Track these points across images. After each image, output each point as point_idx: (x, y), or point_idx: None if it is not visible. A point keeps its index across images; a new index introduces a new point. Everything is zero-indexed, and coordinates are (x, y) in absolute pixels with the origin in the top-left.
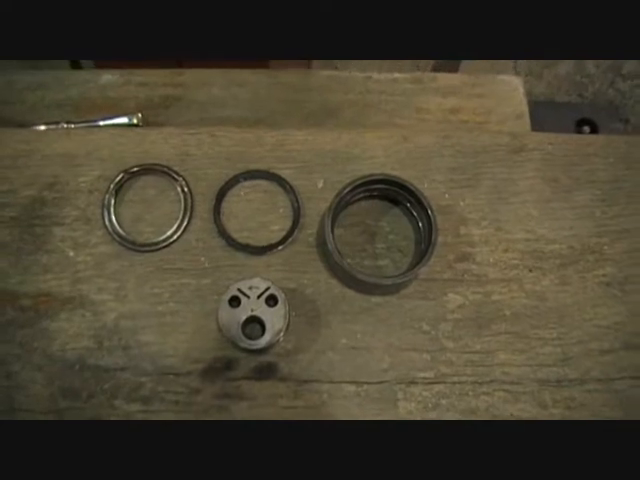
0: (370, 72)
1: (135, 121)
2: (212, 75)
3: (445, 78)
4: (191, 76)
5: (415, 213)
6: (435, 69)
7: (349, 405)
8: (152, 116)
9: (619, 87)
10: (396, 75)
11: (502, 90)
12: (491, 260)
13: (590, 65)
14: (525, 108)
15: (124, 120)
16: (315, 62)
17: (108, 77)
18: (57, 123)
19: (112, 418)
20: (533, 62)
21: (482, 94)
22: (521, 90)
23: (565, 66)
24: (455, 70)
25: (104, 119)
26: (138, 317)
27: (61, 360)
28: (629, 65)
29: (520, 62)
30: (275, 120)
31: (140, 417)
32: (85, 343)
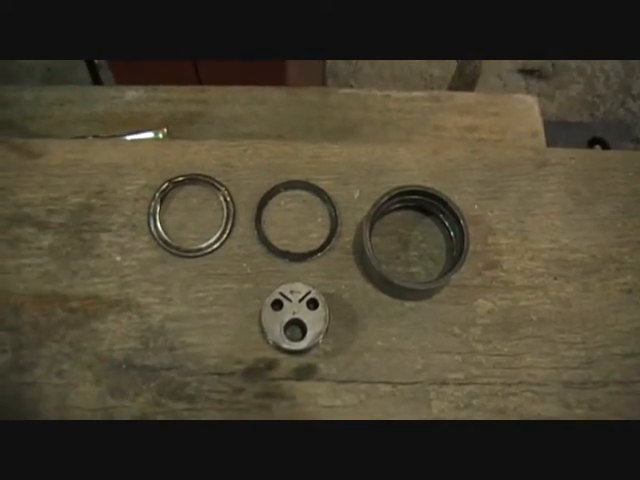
0: (389, 90)
1: (160, 136)
2: (234, 92)
3: (461, 97)
4: (214, 93)
5: (447, 223)
6: (451, 88)
7: (385, 404)
8: (176, 131)
9: (630, 107)
10: (414, 94)
11: (517, 109)
12: (518, 268)
13: (601, 85)
14: (540, 126)
15: (150, 135)
16: (331, 80)
17: (132, 93)
18: (84, 137)
19: (158, 416)
20: (544, 82)
21: (497, 112)
22: (536, 109)
23: (576, 87)
24: (471, 89)
25: (130, 134)
26: (183, 319)
27: (109, 360)
28: (639, 85)
29: (531, 82)
30: (295, 136)
31: (185, 415)
32: (132, 344)
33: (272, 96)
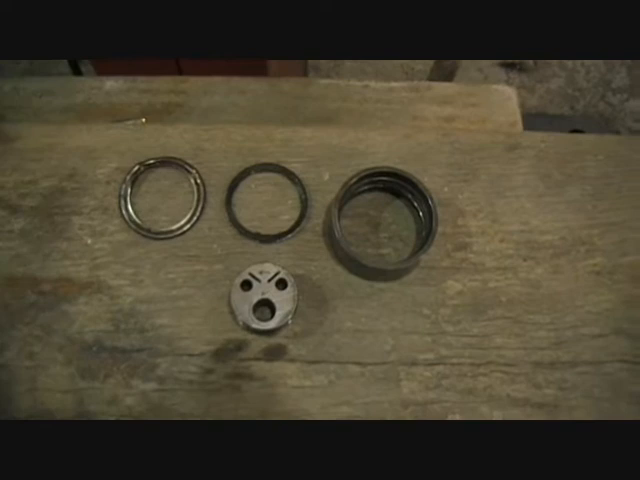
0: (368, 81)
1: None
2: (214, 83)
3: (440, 87)
4: (193, 84)
5: (416, 205)
6: (430, 79)
7: (355, 385)
8: (155, 121)
9: (609, 100)
10: (393, 84)
11: (496, 99)
12: (487, 250)
13: (582, 79)
14: (518, 117)
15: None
16: (312, 74)
17: (112, 84)
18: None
19: (128, 398)
20: (525, 76)
21: (476, 103)
22: (514, 99)
23: (557, 80)
24: (450, 80)
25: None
26: (153, 301)
27: (80, 342)
28: (619, 80)
29: (512, 75)
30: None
31: (156, 396)
32: (103, 326)
33: (252, 86)
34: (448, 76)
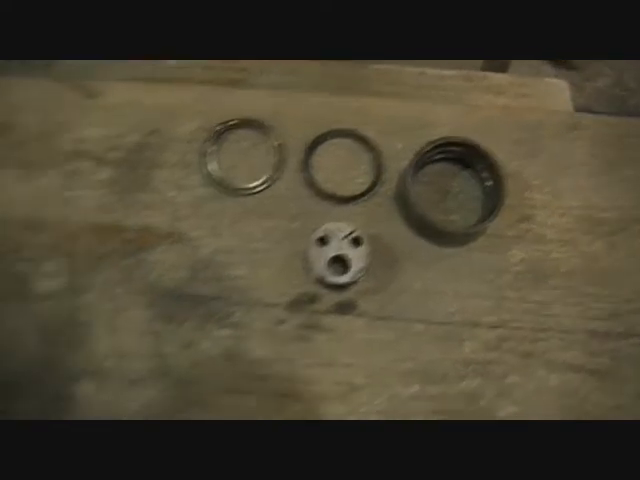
0: (423, 67)
1: None
2: (268, 64)
3: (494, 78)
4: (250, 63)
5: (484, 175)
6: (483, 69)
7: (419, 342)
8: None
9: None
10: (447, 72)
11: (549, 91)
12: (549, 223)
13: (630, 79)
14: (571, 109)
15: None
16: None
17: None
18: None
19: (203, 342)
20: (574, 74)
21: (530, 94)
22: (567, 92)
23: (605, 79)
24: (504, 71)
25: None
26: (231, 253)
27: (159, 288)
28: None
29: (561, 73)
30: None
31: (230, 342)
32: (181, 274)
33: (304, 68)
34: (501, 68)
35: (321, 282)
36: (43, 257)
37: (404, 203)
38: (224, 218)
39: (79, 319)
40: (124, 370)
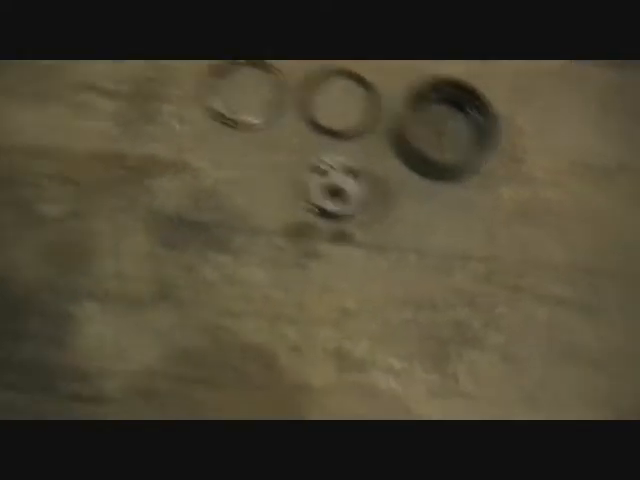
0: None
1: None
2: None
3: None
4: None
5: (479, 118)
6: None
7: (412, 272)
8: None
9: None
10: None
11: None
12: (540, 164)
13: None
14: None
15: None
16: None
17: None
18: None
19: (204, 268)
20: None
21: None
22: None
23: None
24: None
25: None
26: (232, 183)
27: (162, 214)
28: None
29: None
30: None
31: (230, 269)
32: (184, 202)
33: None
34: None
35: (319, 212)
36: (49, 184)
37: (400, 140)
38: (227, 150)
39: (83, 243)
40: (126, 292)
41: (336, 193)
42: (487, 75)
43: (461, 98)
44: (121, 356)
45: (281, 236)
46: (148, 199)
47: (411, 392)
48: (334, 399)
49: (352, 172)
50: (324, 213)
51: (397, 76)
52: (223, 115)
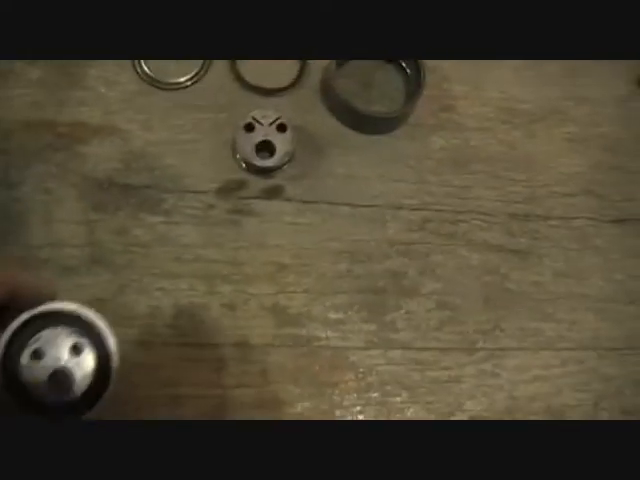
0: None
1: None
2: None
3: None
4: None
5: (406, 67)
6: None
7: (345, 224)
8: None
9: None
10: None
11: None
12: (470, 112)
13: None
14: None
15: None
16: None
17: None
18: None
19: (136, 229)
20: None
21: None
22: None
23: None
24: None
25: None
26: (162, 144)
27: (93, 179)
28: None
29: None
30: None
31: (162, 228)
32: (114, 165)
33: None
34: None
35: (248, 167)
36: None
37: (328, 93)
38: (155, 111)
39: (14, 211)
40: (59, 259)
41: (265, 148)
42: None
43: None
44: None
45: (212, 194)
46: (78, 164)
47: (350, 344)
48: (274, 355)
49: (280, 125)
50: (254, 169)
51: None
52: (149, 76)
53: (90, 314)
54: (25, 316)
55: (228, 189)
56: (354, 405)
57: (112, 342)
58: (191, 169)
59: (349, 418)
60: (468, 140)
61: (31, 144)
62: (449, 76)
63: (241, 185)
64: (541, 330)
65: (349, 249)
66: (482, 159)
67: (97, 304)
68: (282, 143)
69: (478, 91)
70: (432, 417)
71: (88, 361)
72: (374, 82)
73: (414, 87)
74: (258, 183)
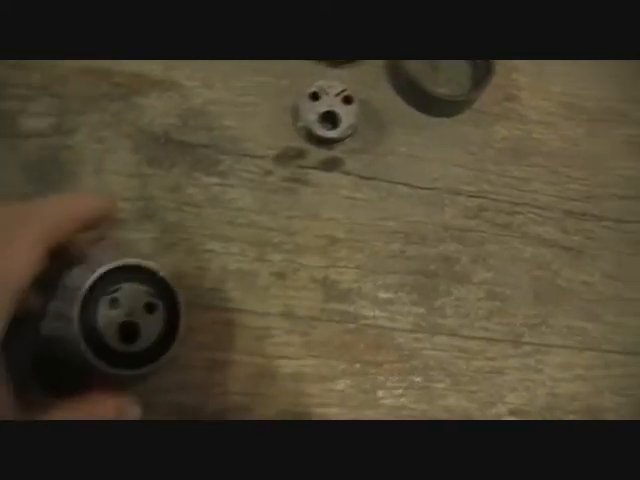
0: None
1: None
2: None
3: None
4: None
5: None
6: None
7: (402, 203)
8: None
9: None
10: None
11: None
12: (533, 104)
13: None
14: None
15: None
16: None
17: None
18: None
19: (190, 187)
20: None
21: None
22: None
23: None
24: None
25: None
26: (222, 104)
27: (149, 132)
28: None
29: None
30: None
31: (216, 189)
32: (172, 120)
33: None
34: None
35: (309, 136)
36: (32, 97)
37: (396, 71)
38: (217, 71)
39: (65, 159)
40: None
41: (329, 119)
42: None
43: None
44: None
45: (270, 160)
46: (135, 116)
47: (397, 325)
48: (319, 329)
49: (346, 97)
50: (316, 138)
51: None
52: None
53: (169, 280)
54: (113, 265)
55: (287, 156)
56: (396, 387)
57: (184, 312)
58: (250, 133)
59: (390, 400)
60: (530, 132)
61: (88, 91)
62: (516, 66)
63: (300, 154)
64: (587, 330)
65: (404, 229)
66: (543, 153)
67: (145, 260)
68: (347, 115)
69: (543, 84)
70: (473, 406)
71: (158, 322)
72: (441, 65)
73: (482, 73)
74: (317, 154)
